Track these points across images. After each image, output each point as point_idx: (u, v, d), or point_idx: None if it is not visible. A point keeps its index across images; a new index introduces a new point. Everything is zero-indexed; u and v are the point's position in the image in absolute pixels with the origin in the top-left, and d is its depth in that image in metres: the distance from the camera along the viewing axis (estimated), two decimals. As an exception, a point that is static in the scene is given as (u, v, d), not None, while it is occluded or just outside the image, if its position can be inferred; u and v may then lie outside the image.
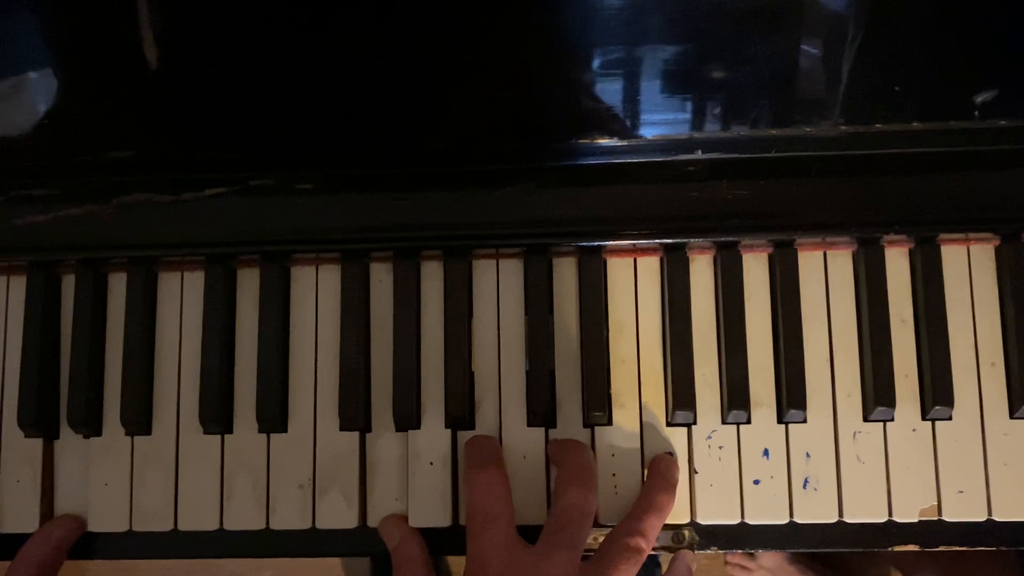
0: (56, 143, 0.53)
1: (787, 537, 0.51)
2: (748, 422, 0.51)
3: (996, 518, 0.50)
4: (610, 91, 0.50)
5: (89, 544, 0.53)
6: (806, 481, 0.51)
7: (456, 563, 1.17)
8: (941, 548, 0.52)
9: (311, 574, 1.27)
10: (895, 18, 0.47)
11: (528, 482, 0.51)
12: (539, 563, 0.44)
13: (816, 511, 0.51)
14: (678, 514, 0.51)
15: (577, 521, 0.46)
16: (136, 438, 0.53)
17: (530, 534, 0.47)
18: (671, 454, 0.51)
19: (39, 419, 0.53)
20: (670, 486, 0.49)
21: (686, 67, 0.49)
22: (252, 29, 0.50)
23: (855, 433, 0.51)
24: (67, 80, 0.52)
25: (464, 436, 0.52)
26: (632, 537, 0.46)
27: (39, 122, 0.52)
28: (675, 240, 0.52)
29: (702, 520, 0.51)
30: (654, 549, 0.52)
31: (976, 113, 0.48)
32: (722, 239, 0.52)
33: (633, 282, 0.53)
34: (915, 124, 0.49)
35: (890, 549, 0.52)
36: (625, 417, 0.52)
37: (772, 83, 0.50)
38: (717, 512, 0.51)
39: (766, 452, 0.51)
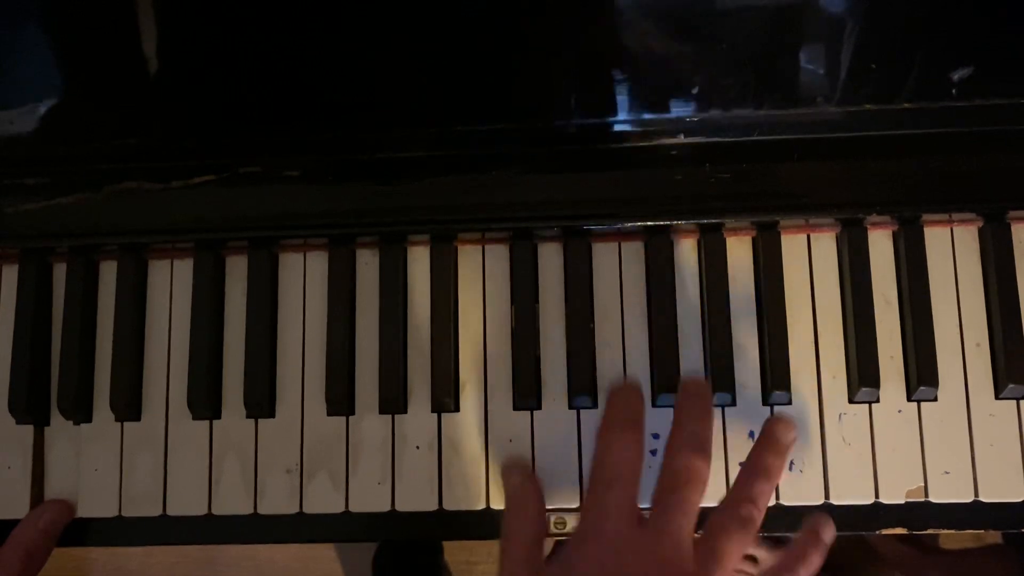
0: (47, 133, 0.53)
1: (774, 520, 0.51)
2: (733, 404, 0.51)
3: (983, 499, 0.50)
4: (592, 74, 0.50)
5: (79, 530, 0.54)
6: (791, 463, 0.51)
7: (451, 558, 1.17)
8: (929, 531, 0.52)
9: (313, 579, 1.27)
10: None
11: (514, 465, 0.52)
12: (655, 523, 0.42)
13: (802, 493, 0.51)
14: (665, 498, 0.51)
15: (689, 485, 0.43)
16: (126, 424, 0.54)
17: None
18: (785, 417, 0.48)
19: (30, 405, 0.54)
20: (782, 448, 0.46)
21: (666, 50, 0.50)
22: (240, 17, 0.51)
23: (840, 415, 0.51)
24: (58, 71, 0.52)
25: (448, 420, 0.52)
26: (742, 505, 0.44)
27: (30, 112, 0.52)
28: (659, 223, 0.52)
29: (688, 502, 0.51)
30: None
31: (954, 92, 0.48)
32: (705, 221, 0.52)
33: (618, 266, 0.53)
34: (895, 105, 0.49)
35: (877, 532, 0.52)
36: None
37: (754, 66, 0.50)
38: (702, 494, 0.51)
39: (751, 434, 0.51)
